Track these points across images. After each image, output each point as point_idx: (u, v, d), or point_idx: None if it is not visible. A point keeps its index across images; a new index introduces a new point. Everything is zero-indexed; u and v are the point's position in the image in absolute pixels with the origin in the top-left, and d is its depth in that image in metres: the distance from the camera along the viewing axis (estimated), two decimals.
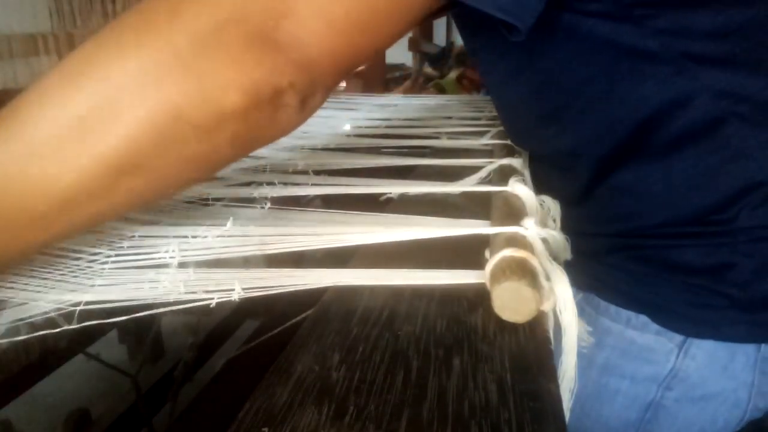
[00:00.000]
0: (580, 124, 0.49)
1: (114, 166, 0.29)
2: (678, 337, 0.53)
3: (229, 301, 0.33)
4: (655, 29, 0.43)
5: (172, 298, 0.33)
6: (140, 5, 0.31)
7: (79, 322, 0.33)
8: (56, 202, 0.30)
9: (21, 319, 0.34)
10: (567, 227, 0.44)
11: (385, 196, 0.50)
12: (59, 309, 0.34)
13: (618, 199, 0.52)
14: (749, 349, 0.51)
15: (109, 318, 0.33)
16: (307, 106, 0.34)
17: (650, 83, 0.45)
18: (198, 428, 0.89)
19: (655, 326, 0.53)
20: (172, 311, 0.32)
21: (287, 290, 0.34)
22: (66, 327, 0.33)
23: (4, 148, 0.29)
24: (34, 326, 0.34)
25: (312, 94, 0.34)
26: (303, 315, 0.36)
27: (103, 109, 0.29)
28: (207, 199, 0.49)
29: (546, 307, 0.31)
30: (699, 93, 0.45)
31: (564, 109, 0.49)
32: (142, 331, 1.57)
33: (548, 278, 0.31)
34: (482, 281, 0.33)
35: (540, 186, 0.52)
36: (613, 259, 0.55)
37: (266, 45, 0.31)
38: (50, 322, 0.33)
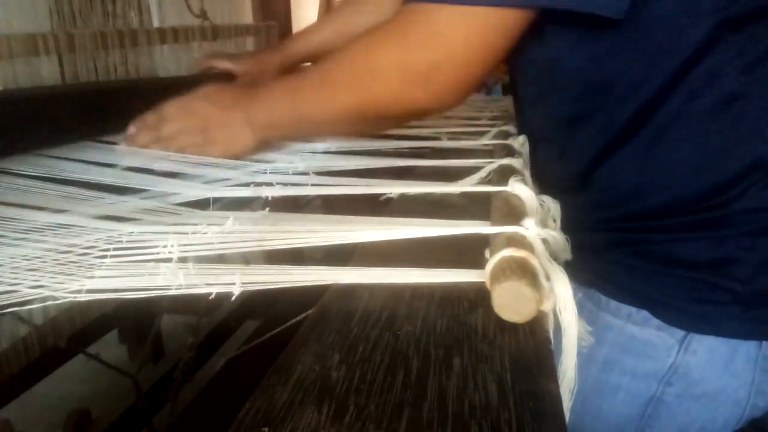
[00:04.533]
0: (619, 53, 0.49)
1: (335, 118, 0.57)
2: (679, 333, 0.53)
3: (230, 302, 0.33)
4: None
5: (172, 289, 0.33)
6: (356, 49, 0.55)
7: (79, 321, 0.33)
8: (313, 121, 0.59)
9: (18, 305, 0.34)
10: (568, 222, 0.44)
11: (385, 196, 0.50)
12: (58, 298, 0.34)
13: (619, 178, 0.52)
14: (750, 347, 0.51)
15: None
16: (442, 111, 0.68)
17: (686, 39, 0.46)
18: (198, 428, 0.89)
19: (656, 321, 0.53)
20: (172, 312, 0.32)
21: (287, 286, 0.33)
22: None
23: (303, 98, 0.58)
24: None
25: (444, 109, 0.59)
26: (303, 315, 0.36)
27: (332, 95, 0.56)
28: (207, 204, 0.49)
29: (546, 307, 0.31)
30: (727, 65, 0.46)
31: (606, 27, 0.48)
32: (142, 331, 1.57)
33: (548, 278, 0.31)
34: (482, 281, 0.33)
35: (539, 176, 0.52)
36: (615, 255, 0.55)
37: (419, 86, 0.51)
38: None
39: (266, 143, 0.62)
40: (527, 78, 0.58)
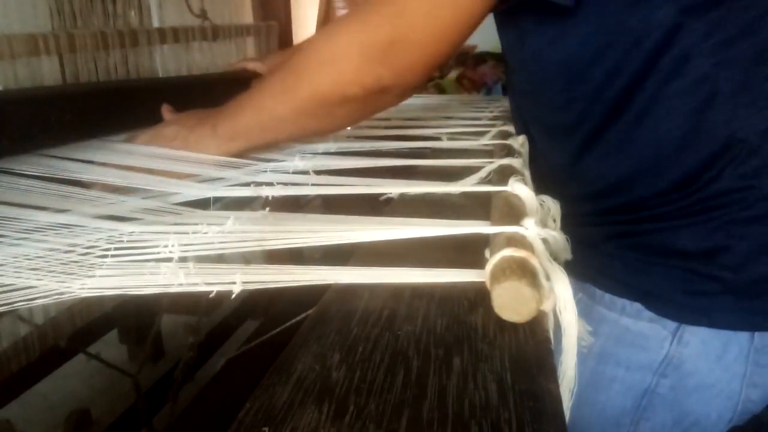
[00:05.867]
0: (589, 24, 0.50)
1: (299, 109, 0.56)
2: (671, 324, 0.53)
3: (230, 302, 0.33)
4: None
5: (172, 288, 0.33)
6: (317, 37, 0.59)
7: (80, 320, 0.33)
8: (278, 119, 0.57)
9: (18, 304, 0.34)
10: (563, 217, 0.44)
11: (385, 196, 0.50)
12: (58, 297, 0.34)
13: (606, 165, 0.54)
14: (743, 339, 0.52)
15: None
16: (404, 94, 0.57)
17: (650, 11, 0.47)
18: (198, 428, 0.89)
19: (648, 314, 0.54)
20: (172, 312, 0.32)
21: (287, 285, 0.33)
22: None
23: (267, 95, 0.58)
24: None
25: (406, 89, 0.56)
26: (303, 315, 0.36)
27: (295, 84, 0.55)
28: (207, 204, 0.49)
29: (546, 306, 0.31)
30: (696, 48, 0.47)
31: None
32: (142, 331, 1.57)
33: (548, 278, 0.31)
34: (482, 281, 0.33)
35: (536, 172, 0.53)
36: (609, 247, 0.56)
37: (379, 62, 0.51)
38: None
39: (239, 154, 0.60)
40: (519, 75, 0.60)
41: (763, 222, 0.49)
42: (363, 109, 0.58)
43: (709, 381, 0.54)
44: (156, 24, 0.91)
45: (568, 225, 0.42)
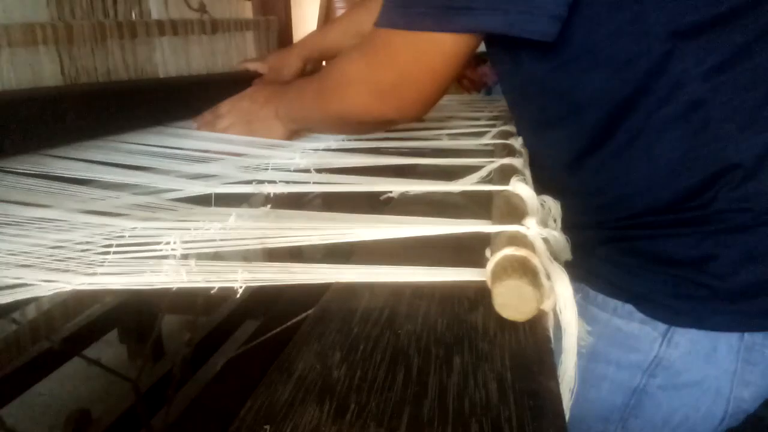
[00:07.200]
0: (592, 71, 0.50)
1: (328, 120, 0.67)
2: (662, 326, 0.54)
3: (229, 302, 0.33)
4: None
5: (174, 286, 0.33)
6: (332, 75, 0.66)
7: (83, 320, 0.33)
8: (316, 120, 0.70)
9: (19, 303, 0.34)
10: (562, 221, 0.44)
11: (386, 195, 0.50)
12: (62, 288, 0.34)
13: (597, 182, 0.54)
14: (732, 338, 0.53)
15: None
16: (411, 121, 0.71)
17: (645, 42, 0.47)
18: (198, 427, 0.89)
19: (640, 315, 0.55)
20: (172, 312, 0.32)
21: (289, 283, 0.33)
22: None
23: (308, 100, 0.69)
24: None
25: (410, 119, 0.63)
26: (304, 314, 0.36)
27: (323, 101, 0.65)
28: (209, 201, 0.49)
29: (546, 305, 0.31)
30: (688, 73, 0.47)
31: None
32: (142, 331, 1.57)
33: (549, 277, 0.32)
34: (483, 279, 0.33)
35: (534, 175, 0.53)
36: (603, 251, 0.57)
37: (382, 101, 0.58)
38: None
39: (296, 132, 0.75)
40: (507, 86, 0.61)
41: (749, 231, 0.50)
42: (377, 128, 0.71)
43: (697, 378, 0.55)
44: (155, 17, 0.91)
45: (563, 226, 0.42)
